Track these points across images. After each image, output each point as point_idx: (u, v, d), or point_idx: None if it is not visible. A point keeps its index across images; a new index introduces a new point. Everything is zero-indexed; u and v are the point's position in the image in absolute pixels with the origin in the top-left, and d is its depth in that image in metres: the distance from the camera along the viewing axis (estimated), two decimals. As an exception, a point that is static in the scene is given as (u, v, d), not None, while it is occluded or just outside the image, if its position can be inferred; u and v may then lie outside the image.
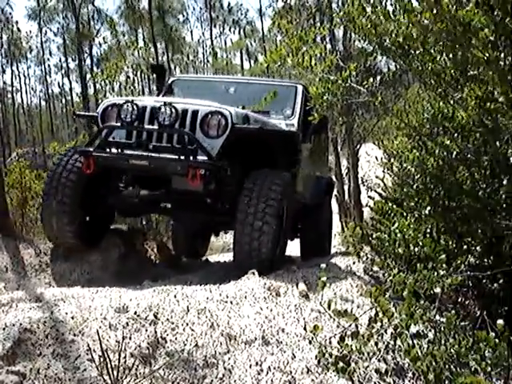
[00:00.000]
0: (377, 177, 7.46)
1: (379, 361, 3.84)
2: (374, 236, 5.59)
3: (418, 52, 4.78)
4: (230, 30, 29.00)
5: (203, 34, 31.15)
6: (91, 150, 5.51)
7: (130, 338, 3.21)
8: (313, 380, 3.43)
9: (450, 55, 4.39)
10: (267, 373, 3.37)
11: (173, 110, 5.29)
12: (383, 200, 5.88)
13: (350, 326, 3.78)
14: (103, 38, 24.36)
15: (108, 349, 2.96)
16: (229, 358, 3.39)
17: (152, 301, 3.78)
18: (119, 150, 5.45)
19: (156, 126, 5.41)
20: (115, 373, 2.77)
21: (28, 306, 3.53)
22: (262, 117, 6.26)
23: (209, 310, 3.85)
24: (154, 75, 7.83)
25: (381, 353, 3.89)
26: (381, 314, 3.59)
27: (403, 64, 5.07)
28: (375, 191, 7.52)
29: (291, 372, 3.45)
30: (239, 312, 4.00)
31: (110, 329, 3.29)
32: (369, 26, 4.96)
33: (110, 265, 6.32)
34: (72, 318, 3.35)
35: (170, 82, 7.68)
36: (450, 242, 4.71)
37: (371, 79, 5.41)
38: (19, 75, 38.05)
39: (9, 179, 8.21)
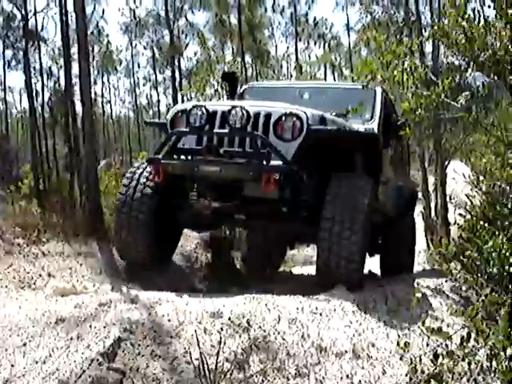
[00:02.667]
0: (466, 195, 7.27)
1: (468, 381, 3.75)
2: (465, 254, 5.45)
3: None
4: (314, 44, 29.01)
5: (288, 48, 31.34)
6: (159, 157, 5.27)
7: (225, 343, 3.27)
8: (403, 397, 3.38)
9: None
10: (357, 386, 3.35)
11: (244, 113, 4.99)
12: (473, 218, 5.72)
13: (441, 344, 3.69)
14: (194, 53, 24.96)
15: (204, 352, 3.02)
16: (320, 369, 3.40)
17: (244, 308, 3.83)
18: (188, 157, 5.20)
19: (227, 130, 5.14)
20: (212, 376, 2.83)
21: (126, 307, 3.66)
22: (339, 119, 5.82)
23: (299, 320, 3.87)
24: (226, 83, 7.57)
25: (473, 374, 3.79)
26: (474, 334, 3.50)
27: (497, 79, 4.95)
28: (465, 209, 7.32)
29: (382, 387, 3.41)
30: (329, 324, 3.99)
31: (204, 333, 3.37)
32: (463, 41, 4.86)
33: (197, 271, 6.44)
34: (168, 320, 3.45)
35: (242, 89, 7.34)
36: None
37: (464, 94, 5.30)
38: (109, 87, 39.40)
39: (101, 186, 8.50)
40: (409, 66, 5.60)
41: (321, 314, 4.14)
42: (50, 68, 20.97)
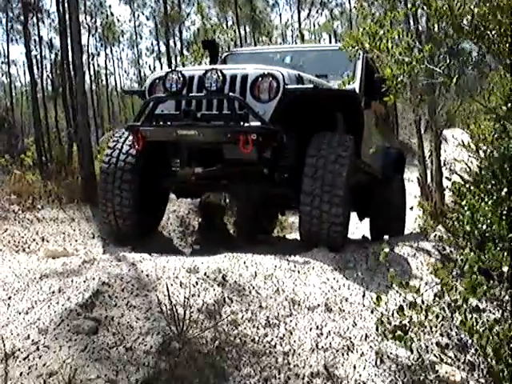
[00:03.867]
0: (455, 159, 7.38)
1: (442, 335, 3.92)
2: (447, 216, 5.59)
3: (494, 33, 4.74)
4: (317, 11, 28.77)
5: (292, 16, 31.10)
6: (138, 124, 5.24)
7: (199, 296, 3.46)
8: (371, 347, 3.56)
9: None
10: (327, 336, 3.53)
11: (219, 75, 4.95)
12: (463, 182, 5.82)
13: (414, 299, 3.83)
14: (191, 22, 24.86)
15: (177, 304, 3.21)
16: (291, 321, 3.57)
17: (222, 265, 4.01)
18: (166, 122, 5.19)
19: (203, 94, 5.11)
20: (181, 324, 3.02)
21: (108, 264, 3.85)
22: (317, 79, 5.80)
23: (276, 276, 4.04)
24: (207, 51, 7.37)
25: (444, 327, 3.96)
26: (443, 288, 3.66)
27: (482, 46, 5.02)
28: (457, 174, 7.40)
29: (350, 338, 3.59)
30: (305, 281, 4.15)
31: (180, 286, 3.55)
32: (444, 8, 4.93)
33: (189, 236, 6.61)
34: (147, 275, 3.64)
35: (223, 56, 7.36)
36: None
37: (448, 61, 5.38)
38: (113, 58, 39.31)
39: (100, 155, 8.67)
40: (396, 35, 5.67)
41: (299, 272, 4.30)
42: (50, 40, 21.02)
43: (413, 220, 9.23)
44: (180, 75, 5.09)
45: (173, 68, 5.43)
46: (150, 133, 5.17)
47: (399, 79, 5.34)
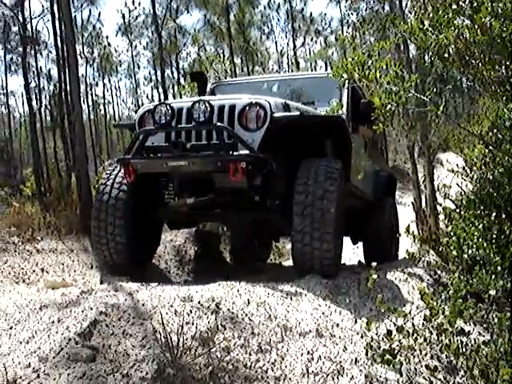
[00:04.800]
0: (444, 185, 7.52)
1: (432, 358, 4.03)
2: (440, 241, 5.72)
3: (478, 62, 4.90)
4: (311, 40, 29.25)
5: (287, 44, 31.58)
6: (128, 157, 5.27)
7: (193, 324, 3.59)
8: (361, 370, 3.67)
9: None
10: (317, 361, 3.64)
11: (207, 106, 5.05)
12: (454, 207, 5.92)
13: (405, 323, 3.93)
14: (186, 54, 25.35)
15: (172, 331, 3.34)
16: (282, 347, 3.69)
17: (216, 293, 4.14)
18: (157, 154, 5.22)
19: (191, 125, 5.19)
20: (175, 351, 3.15)
21: (105, 294, 3.98)
22: (305, 106, 5.92)
23: (268, 303, 4.16)
24: (195, 84, 7.45)
25: (434, 351, 4.07)
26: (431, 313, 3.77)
27: (468, 74, 5.18)
28: (449, 199, 7.51)
29: (340, 362, 3.70)
30: (297, 307, 4.27)
31: (175, 315, 3.68)
32: (429, 39, 5.10)
33: (186, 264, 6.74)
34: (143, 304, 3.77)
35: (211, 87, 7.46)
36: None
37: (436, 88, 5.54)
38: (111, 88, 39.69)
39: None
40: (384, 65, 5.85)
41: (291, 298, 4.42)
42: (49, 71, 21.36)
43: (409, 245, 9.30)
44: (168, 107, 5.19)
45: (163, 100, 5.66)
46: (140, 165, 5.21)
47: (387, 108, 5.52)
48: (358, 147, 6.70)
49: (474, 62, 4.95)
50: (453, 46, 5.01)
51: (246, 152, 5.00)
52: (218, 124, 5.11)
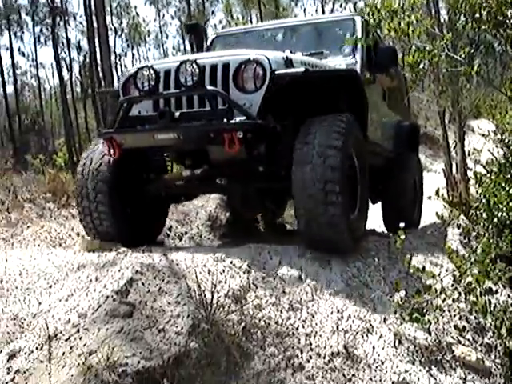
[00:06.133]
0: (475, 149, 7.46)
1: (460, 319, 4.08)
2: (470, 206, 5.71)
3: (510, 23, 4.83)
4: (340, 6, 28.82)
5: (316, 11, 31.18)
6: (111, 130, 4.70)
7: (225, 282, 3.70)
8: (390, 329, 3.75)
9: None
10: (347, 319, 3.74)
11: (195, 67, 4.36)
12: (485, 172, 5.88)
13: (434, 284, 3.96)
14: (219, 21, 25.26)
15: (205, 289, 3.44)
16: (313, 305, 3.79)
17: (248, 254, 4.23)
18: (143, 126, 4.62)
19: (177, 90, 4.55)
20: (209, 308, 3.26)
21: (140, 255, 4.10)
22: (311, 58, 5.16)
23: (299, 264, 4.23)
24: (191, 36, 6.75)
25: (463, 312, 4.12)
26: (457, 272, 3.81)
27: (501, 38, 5.10)
28: (481, 164, 7.42)
29: (370, 321, 3.78)
30: (327, 269, 4.34)
31: (208, 274, 3.79)
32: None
33: (217, 229, 6.84)
34: (177, 264, 3.88)
35: (210, 41, 6.58)
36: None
37: (467, 49, 5.45)
38: (139, 58, 39.80)
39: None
40: (415, 19, 5.73)
41: (321, 260, 4.49)
42: (78, 42, 21.54)
43: (437, 210, 9.22)
44: (152, 71, 4.52)
45: (143, 64, 4.80)
46: (124, 139, 4.66)
47: (421, 66, 5.43)
48: (376, 99, 6.04)
49: (507, 23, 4.89)
50: (485, 6, 4.94)
51: (243, 119, 4.37)
52: (208, 87, 4.45)
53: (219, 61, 4.55)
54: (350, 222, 4.46)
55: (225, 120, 4.34)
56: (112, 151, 4.67)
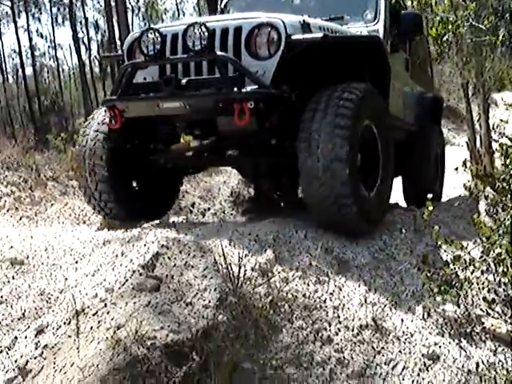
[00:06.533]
0: (501, 120, 7.31)
1: (489, 292, 4.02)
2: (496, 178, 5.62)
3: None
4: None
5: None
6: (114, 98, 4.45)
7: (252, 256, 3.68)
8: (418, 302, 3.70)
9: None
10: (375, 292, 3.69)
11: (204, 31, 4.07)
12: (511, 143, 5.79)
13: (462, 256, 3.90)
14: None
15: (232, 263, 3.42)
16: (340, 278, 3.75)
17: (273, 228, 4.19)
18: (147, 93, 4.34)
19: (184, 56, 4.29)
20: (237, 281, 3.24)
21: (165, 229, 4.10)
22: (330, 23, 4.84)
23: (325, 238, 4.18)
24: None
25: (492, 284, 4.06)
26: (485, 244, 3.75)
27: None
28: (506, 136, 7.29)
29: (398, 293, 3.74)
30: (353, 242, 4.29)
31: (234, 248, 3.77)
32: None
33: (239, 205, 6.83)
34: (202, 238, 3.87)
35: (223, 4, 6.20)
36: None
37: (491, 18, 5.34)
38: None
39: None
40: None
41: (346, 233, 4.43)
42: (96, 21, 21.49)
43: (460, 184, 9.11)
44: (157, 34, 4.24)
45: (149, 27, 4.54)
46: (127, 108, 4.40)
47: (445, 38, 5.32)
48: (399, 69, 5.74)
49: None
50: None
51: (255, 87, 4.09)
52: (218, 53, 4.16)
53: (230, 24, 4.26)
54: (363, 201, 4.20)
55: (235, 89, 4.05)
56: (114, 120, 4.43)
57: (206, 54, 4.15)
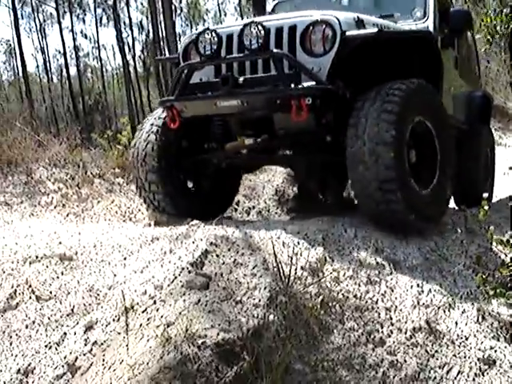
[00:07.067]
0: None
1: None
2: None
3: None
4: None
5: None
6: (171, 98, 4.53)
7: (301, 255, 3.61)
8: (472, 304, 3.59)
9: None
10: (427, 294, 3.59)
11: (260, 29, 4.12)
12: None
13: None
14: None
15: (281, 262, 3.36)
16: (391, 279, 3.66)
17: (321, 227, 4.12)
18: (205, 93, 4.42)
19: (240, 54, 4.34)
20: (287, 280, 3.18)
21: (213, 227, 4.06)
22: (383, 20, 4.85)
23: (375, 237, 4.10)
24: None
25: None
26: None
27: None
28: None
29: (451, 295, 3.63)
30: (404, 242, 4.19)
31: (283, 246, 3.72)
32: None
33: (284, 204, 6.76)
34: (250, 236, 3.82)
35: (272, 7, 6.26)
36: None
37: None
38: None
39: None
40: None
41: (397, 233, 4.34)
42: (140, 22, 21.69)
43: (506, 187, 8.84)
44: (214, 34, 4.31)
45: (205, 28, 4.58)
46: (185, 107, 4.48)
47: (497, 28, 5.19)
48: (449, 67, 5.67)
49: None
50: None
51: (312, 84, 4.11)
52: (275, 50, 4.20)
53: (285, 23, 4.32)
54: (411, 193, 4.11)
55: (292, 85, 4.10)
56: (172, 121, 4.53)
57: (263, 52, 4.21)
